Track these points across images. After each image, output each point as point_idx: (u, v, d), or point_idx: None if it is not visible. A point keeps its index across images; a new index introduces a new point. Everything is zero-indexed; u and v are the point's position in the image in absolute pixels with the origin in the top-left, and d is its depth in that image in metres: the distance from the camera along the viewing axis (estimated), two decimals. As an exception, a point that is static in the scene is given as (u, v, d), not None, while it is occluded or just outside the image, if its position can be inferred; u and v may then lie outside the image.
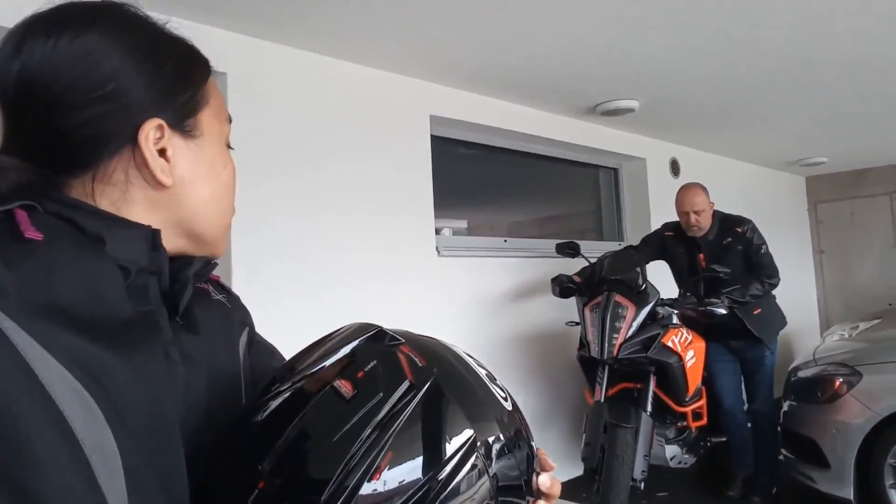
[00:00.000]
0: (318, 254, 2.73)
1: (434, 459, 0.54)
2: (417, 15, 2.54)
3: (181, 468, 0.58)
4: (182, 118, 0.65)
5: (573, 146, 4.23)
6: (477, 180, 4.04)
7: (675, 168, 4.98)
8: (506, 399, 0.63)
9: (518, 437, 0.61)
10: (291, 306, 2.55)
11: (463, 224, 3.98)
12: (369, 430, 0.54)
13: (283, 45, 2.70)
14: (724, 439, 3.55)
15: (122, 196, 0.64)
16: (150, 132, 0.63)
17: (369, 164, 2.99)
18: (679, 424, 3.24)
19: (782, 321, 3.74)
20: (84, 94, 0.61)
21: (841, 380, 3.05)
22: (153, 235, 0.63)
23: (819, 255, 6.90)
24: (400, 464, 0.53)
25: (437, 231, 3.42)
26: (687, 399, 3.10)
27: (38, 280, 0.54)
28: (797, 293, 6.42)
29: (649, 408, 3.01)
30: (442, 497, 0.53)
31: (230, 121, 0.73)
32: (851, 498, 2.90)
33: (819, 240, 6.90)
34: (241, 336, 0.78)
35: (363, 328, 0.64)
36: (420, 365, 0.59)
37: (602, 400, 3.00)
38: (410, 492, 0.53)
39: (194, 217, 0.67)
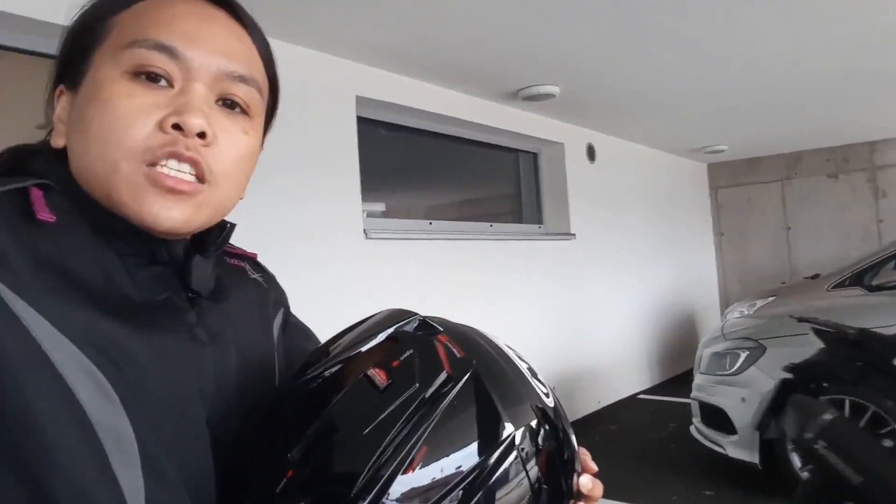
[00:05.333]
0: (239, 238, 2.60)
1: (471, 457, 0.51)
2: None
3: (204, 455, 0.56)
4: (72, 72, 0.59)
5: (494, 130, 4.26)
6: (397, 162, 4.00)
7: (591, 153, 5.12)
8: (547, 395, 0.60)
9: (559, 435, 0.58)
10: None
11: (381, 207, 3.92)
12: (403, 423, 0.51)
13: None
14: None
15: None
16: (60, 101, 0.60)
17: (292, 145, 2.89)
18: None
19: None
20: None
21: (747, 353, 3.23)
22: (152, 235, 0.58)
23: (719, 237, 7.32)
24: (435, 459, 0.50)
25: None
26: None
27: (50, 260, 0.51)
28: (700, 273, 6.80)
29: None
30: (479, 495, 0.51)
31: (144, 42, 0.56)
32: (757, 462, 3.10)
33: (719, 223, 7.31)
34: (276, 317, 0.75)
35: (400, 314, 0.61)
36: (458, 356, 0.56)
37: None
38: (446, 489, 0.50)
39: (76, 175, 0.58)
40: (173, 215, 0.56)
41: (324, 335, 0.65)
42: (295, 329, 0.79)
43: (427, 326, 0.60)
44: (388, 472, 0.49)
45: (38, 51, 2.22)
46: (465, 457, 0.51)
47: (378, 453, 0.50)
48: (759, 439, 3.10)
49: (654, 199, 6.04)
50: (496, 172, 4.82)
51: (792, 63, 3.70)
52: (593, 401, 4.93)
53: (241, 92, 0.61)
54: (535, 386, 0.59)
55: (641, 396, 5.52)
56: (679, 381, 5.44)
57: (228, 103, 0.60)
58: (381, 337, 0.58)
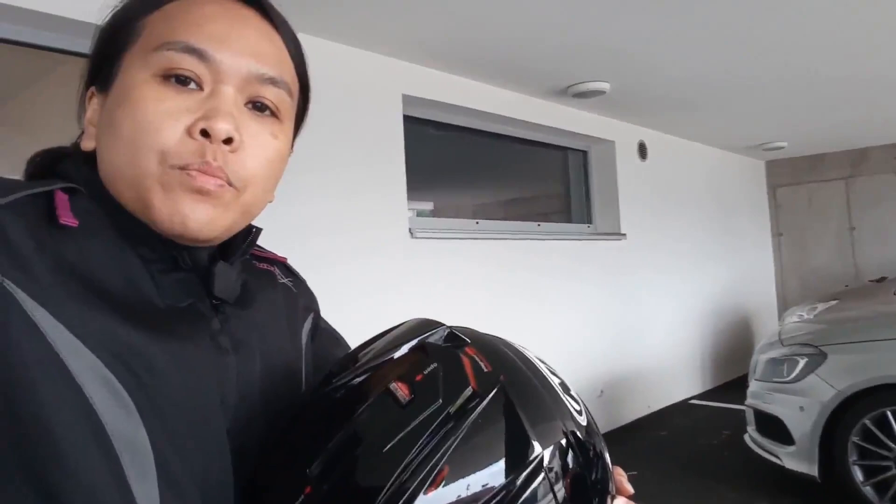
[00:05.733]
0: (284, 236, 2.63)
1: (496, 477, 0.49)
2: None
3: (223, 466, 0.55)
4: (102, 73, 0.59)
5: (543, 128, 4.21)
6: (444, 161, 3.98)
7: (642, 151, 5.00)
8: (580, 413, 0.57)
9: (592, 457, 0.55)
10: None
11: (429, 206, 3.92)
12: (425, 440, 0.49)
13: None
14: None
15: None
16: (91, 102, 0.60)
17: (338, 144, 2.91)
18: None
19: None
20: None
21: (806, 359, 3.10)
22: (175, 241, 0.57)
23: (777, 237, 7.06)
24: (457, 480, 0.48)
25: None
26: None
27: (72, 265, 0.51)
28: (756, 275, 6.58)
29: None
30: None
31: (174, 45, 0.55)
32: (816, 475, 2.97)
33: (777, 223, 7.05)
34: (305, 322, 0.74)
35: (426, 325, 0.59)
36: (485, 370, 0.53)
37: None
38: None
39: (105, 178, 0.57)
40: (199, 217, 0.55)
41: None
42: (325, 335, 0.77)
43: (454, 338, 0.57)
44: (409, 492, 0.47)
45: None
46: (490, 477, 0.49)
47: (398, 471, 0.48)
48: (818, 450, 2.97)
49: (709, 198, 5.87)
50: (545, 171, 4.76)
51: (857, 54, 3.52)
52: (643, 405, 4.82)
53: (270, 94, 0.59)
54: (566, 402, 0.56)
55: (693, 402, 5.37)
56: (733, 387, 5.27)
57: (258, 106, 0.59)
58: (406, 349, 0.56)
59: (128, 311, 0.52)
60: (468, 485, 0.48)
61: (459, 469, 0.48)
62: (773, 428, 3.19)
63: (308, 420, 0.55)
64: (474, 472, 0.48)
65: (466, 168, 4.16)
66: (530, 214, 4.60)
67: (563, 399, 0.56)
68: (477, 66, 3.42)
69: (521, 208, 4.67)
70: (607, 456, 0.58)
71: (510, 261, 3.81)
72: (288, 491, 0.51)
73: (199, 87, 0.56)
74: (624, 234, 4.70)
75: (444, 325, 0.59)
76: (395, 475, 0.47)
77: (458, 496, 0.48)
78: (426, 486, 0.47)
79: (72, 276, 0.50)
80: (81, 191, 0.56)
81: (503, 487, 0.48)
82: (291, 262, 0.80)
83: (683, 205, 5.45)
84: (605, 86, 3.80)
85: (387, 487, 0.47)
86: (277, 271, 0.75)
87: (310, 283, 0.79)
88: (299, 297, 0.75)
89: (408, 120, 3.33)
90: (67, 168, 0.59)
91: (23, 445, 0.45)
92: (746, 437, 3.52)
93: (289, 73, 0.62)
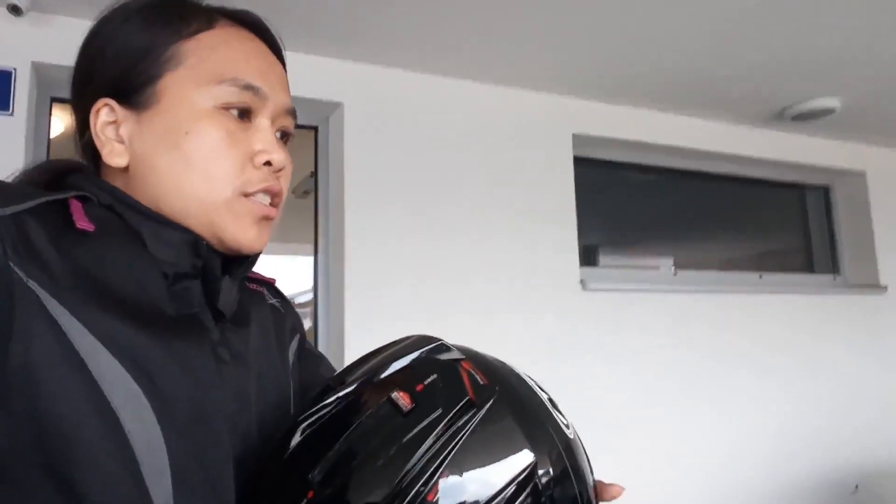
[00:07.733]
0: (441, 282, 2.61)
1: (492, 482, 0.53)
2: (548, 23, 2.32)
3: (228, 468, 0.58)
4: (134, 91, 0.63)
5: (762, 162, 3.63)
6: (638, 207, 3.51)
7: (907, 180, 4.02)
8: (567, 427, 0.62)
9: (579, 468, 0.60)
10: (410, 332, 2.36)
11: (668, 261, 3.48)
12: (427, 447, 0.53)
13: (401, 69, 2.66)
14: None
15: (117, 183, 0.65)
16: (101, 113, 0.64)
17: (500, 189, 2.82)
18: None
19: None
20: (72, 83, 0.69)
21: None
22: (195, 242, 0.63)
23: None
24: (456, 484, 0.52)
25: (655, 269, 3.06)
26: None
27: (89, 270, 0.55)
28: None
29: None
30: None
31: (236, 82, 0.64)
32: None
33: None
34: (292, 342, 0.80)
35: (424, 340, 0.64)
36: (481, 383, 0.59)
37: None
38: None
39: (160, 196, 0.62)
40: (263, 239, 0.66)
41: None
42: (309, 355, 0.82)
43: (451, 352, 0.62)
44: (409, 497, 0.50)
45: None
46: (487, 482, 0.53)
47: (400, 477, 0.51)
48: None
49: None
50: (776, 214, 4.01)
51: None
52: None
53: (291, 124, 0.70)
54: (555, 416, 0.61)
55: None
56: None
57: (282, 134, 0.69)
58: (406, 361, 0.60)
59: (139, 316, 0.56)
60: (466, 490, 0.52)
61: (458, 475, 0.52)
62: None
63: (309, 430, 0.58)
64: (472, 478, 0.53)
65: (670, 213, 3.65)
66: (777, 265, 3.86)
67: (553, 413, 0.61)
68: (663, 96, 3.10)
69: (769, 260, 3.91)
70: (592, 469, 0.62)
71: (720, 320, 3.29)
72: (290, 495, 0.53)
73: (249, 119, 0.65)
74: (884, 287, 3.82)
75: (440, 340, 0.64)
76: (398, 480, 0.51)
77: (457, 500, 0.52)
78: (427, 491, 0.51)
79: (88, 279, 0.54)
80: (93, 200, 0.61)
81: (498, 493, 0.52)
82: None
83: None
84: (833, 102, 3.16)
85: (389, 492, 0.50)
86: (266, 292, 0.80)
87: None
88: (286, 317, 0.81)
89: (585, 162, 3.11)
90: (77, 180, 0.64)
91: (42, 440, 0.48)
92: None
93: None
